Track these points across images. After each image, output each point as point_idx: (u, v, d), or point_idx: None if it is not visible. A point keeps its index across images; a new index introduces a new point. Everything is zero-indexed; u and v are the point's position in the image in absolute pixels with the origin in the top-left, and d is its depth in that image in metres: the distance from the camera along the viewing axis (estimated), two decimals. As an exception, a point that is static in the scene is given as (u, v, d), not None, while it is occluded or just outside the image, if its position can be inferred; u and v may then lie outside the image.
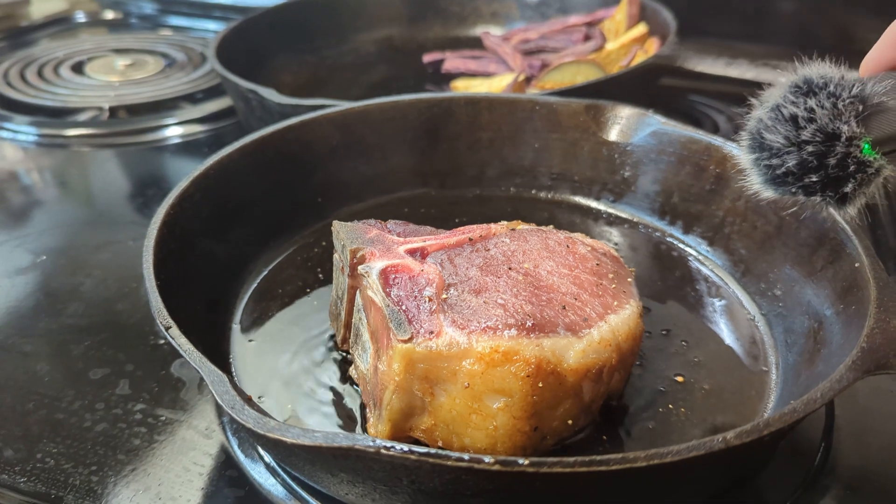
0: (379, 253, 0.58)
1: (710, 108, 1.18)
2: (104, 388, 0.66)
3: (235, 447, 0.60)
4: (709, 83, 1.16)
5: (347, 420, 0.59)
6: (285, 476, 0.56)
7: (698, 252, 0.77)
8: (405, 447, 0.40)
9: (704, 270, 0.75)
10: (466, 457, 0.40)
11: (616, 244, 0.81)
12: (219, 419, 0.62)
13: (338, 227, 0.62)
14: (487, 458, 0.39)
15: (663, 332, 0.67)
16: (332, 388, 0.62)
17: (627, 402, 0.60)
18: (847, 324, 0.55)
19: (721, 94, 1.20)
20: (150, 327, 0.73)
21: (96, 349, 0.71)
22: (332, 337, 0.66)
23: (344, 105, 0.84)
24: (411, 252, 0.59)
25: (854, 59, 1.32)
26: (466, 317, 0.52)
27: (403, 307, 0.53)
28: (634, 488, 0.44)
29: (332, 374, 0.63)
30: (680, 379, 0.62)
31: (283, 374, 0.63)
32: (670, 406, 0.59)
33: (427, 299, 0.53)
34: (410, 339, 0.51)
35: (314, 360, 0.65)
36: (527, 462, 0.39)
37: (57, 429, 0.62)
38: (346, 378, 0.62)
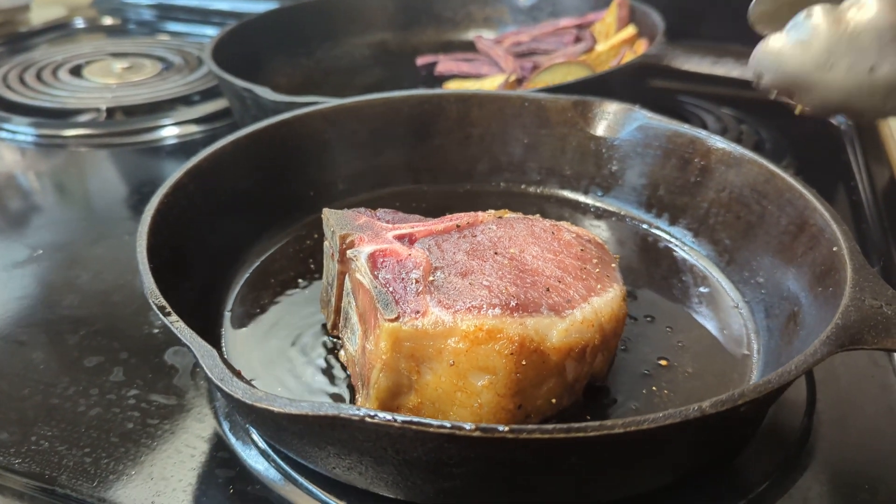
0: (368, 238, 0.59)
1: (699, 107, 1.20)
2: (98, 375, 0.67)
3: (227, 430, 0.61)
4: (697, 84, 1.18)
5: (337, 402, 0.60)
6: (276, 457, 0.57)
7: (684, 243, 0.79)
8: (388, 415, 0.41)
9: (690, 260, 0.77)
10: (448, 424, 0.41)
11: (604, 237, 0.82)
12: (210, 404, 0.64)
13: (328, 214, 0.63)
14: (468, 425, 0.41)
15: (648, 319, 0.68)
16: (322, 372, 0.63)
17: (611, 383, 0.61)
18: (824, 305, 0.57)
19: (709, 94, 1.22)
20: (144, 317, 0.74)
21: (91, 338, 0.72)
22: (323, 323, 0.68)
23: (336, 101, 0.85)
24: (400, 238, 0.60)
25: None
26: (452, 297, 0.53)
27: (391, 289, 0.54)
28: (614, 457, 0.45)
29: (322, 359, 0.64)
30: (664, 362, 0.63)
31: (274, 360, 0.64)
32: (654, 388, 0.61)
33: (414, 281, 0.55)
34: (397, 319, 0.52)
35: (305, 346, 0.66)
36: (507, 429, 0.41)
37: (51, 413, 0.63)
38: (335, 362, 0.64)
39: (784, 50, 0.39)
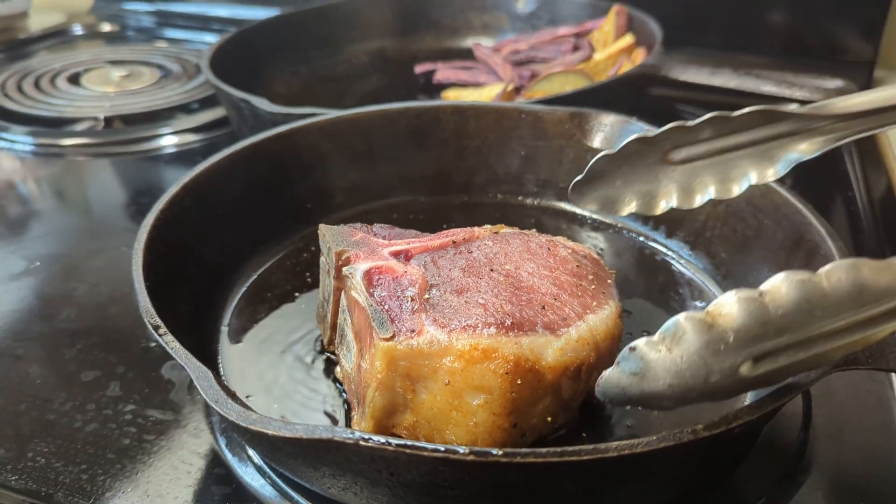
0: (364, 255, 0.59)
1: (697, 117, 1.20)
2: (95, 390, 0.67)
3: (223, 446, 0.61)
4: (695, 93, 1.18)
5: (332, 419, 0.60)
6: (272, 474, 0.57)
7: (681, 256, 0.79)
8: (383, 438, 0.41)
9: (687, 274, 0.77)
10: (442, 448, 0.41)
11: (601, 249, 0.82)
12: (207, 419, 0.64)
13: (324, 230, 0.63)
14: (462, 449, 0.41)
15: (645, 334, 0.68)
16: (318, 389, 0.63)
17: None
18: (820, 322, 0.57)
19: (707, 103, 1.21)
20: (141, 331, 0.74)
21: (88, 352, 0.72)
22: (320, 339, 0.68)
23: (333, 113, 0.85)
24: (396, 254, 0.60)
25: (839, 68, 1.33)
26: (447, 316, 0.53)
27: (386, 307, 0.54)
28: (608, 480, 0.45)
29: (318, 375, 0.64)
30: (660, 378, 0.63)
31: (270, 376, 0.64)
32: (649, 405, 0.61)
33: (409, 299, 0.55)
34: (392, 338, 0.52)
35: (301, 362, 0.66)
36: (500, 453, 0.41)
37: (48, 429, 0.63)
38: (332, 379, 0.64)
39: (622, 381, 0.43)
